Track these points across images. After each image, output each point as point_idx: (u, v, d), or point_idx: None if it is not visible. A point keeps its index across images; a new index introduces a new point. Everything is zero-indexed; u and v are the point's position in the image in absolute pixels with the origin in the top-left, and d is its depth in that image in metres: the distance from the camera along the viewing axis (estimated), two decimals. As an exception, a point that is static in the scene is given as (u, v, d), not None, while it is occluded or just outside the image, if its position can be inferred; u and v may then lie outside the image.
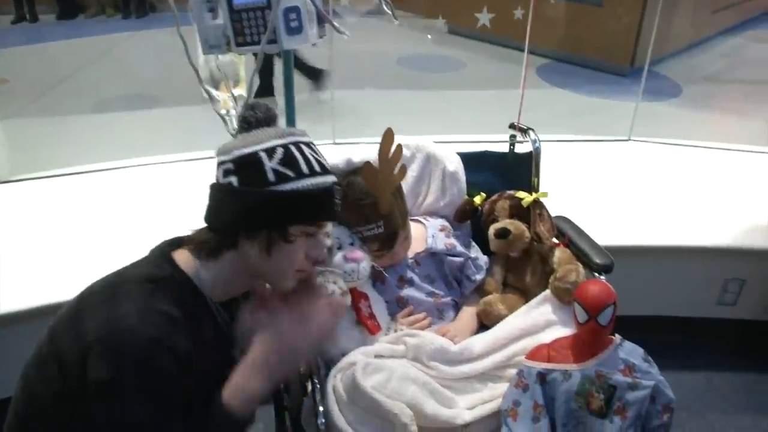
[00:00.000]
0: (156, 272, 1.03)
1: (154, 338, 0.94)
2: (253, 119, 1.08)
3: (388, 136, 1.38)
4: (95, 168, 2.72)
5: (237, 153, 1.05)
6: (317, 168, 1.07)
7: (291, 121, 1.60)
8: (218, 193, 1.08)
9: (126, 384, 0.93)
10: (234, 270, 1.08)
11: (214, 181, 1.09)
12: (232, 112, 1.19)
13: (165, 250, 1.09)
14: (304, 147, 1.08)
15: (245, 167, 1.04)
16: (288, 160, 1.04)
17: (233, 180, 1.04)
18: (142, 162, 2.77)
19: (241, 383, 1.04)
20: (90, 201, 2.46)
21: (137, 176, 2.67)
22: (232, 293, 1.13)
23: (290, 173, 1.03)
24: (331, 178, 1.10)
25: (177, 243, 1.11)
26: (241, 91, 1.17)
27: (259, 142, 1.05)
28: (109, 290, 1.00)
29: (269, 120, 1.10)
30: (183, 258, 1.08)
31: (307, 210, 1.06)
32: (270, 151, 1.04)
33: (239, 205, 1.04)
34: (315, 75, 4.13)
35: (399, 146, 1.40)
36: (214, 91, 1.19)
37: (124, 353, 0.93)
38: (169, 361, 0.95)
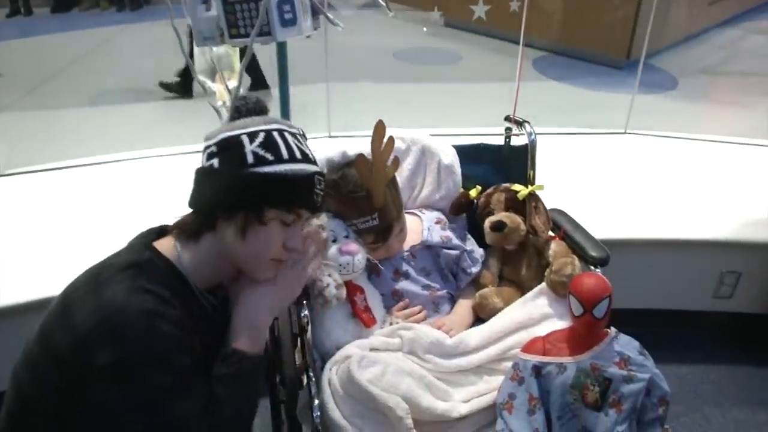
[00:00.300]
0: (137, 258, 1.04)
1: (147, 310, 0.95)
2: (243, 109, 1.11)
3: (379, 128, 1.38)
4: (90, 161, 2.72)
5: (221, 136, 1.07)
6: (298, 155, 1.08)
7: (286, 112, 1.60)
8: (201, 176, 1.09)
9: (134, 360, 0.93)
10: (213, 254, 1.09)
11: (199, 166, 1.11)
12: (228, 104, 1.19)
13: (145, 240, 1.10)
14: (287, 135, 1.09)
15: (226, 149, 1.06)
16: (268, 144, 1.06)
17: (215, 162, 1.06)
18: (136, 155, 2.77)
19: (244, 322, 1.09)
20: (84, 194, 2.45)
21: (131, 169, 2.66)
22: (214, 279, 1.13)
23: (269, 156, 1.05)
24: (312, 168, 1.10)
25: (157, 232, 1.13)
26: (235, 83, 1.16)
27: (244, 127, 1.07)
28: (92, 280, 1.00)
29: (259, 111, 1.12)
30: (164, 245, 1.09)
31: (283, 195, 1.07)
32: (252, 135, 1.06)
33: (218, 185, 1.06)
34: (259, 83, 4.15)
35: (391, 138, 1.39)
36: (209, 83, 1.19)
37: (122, 332, 0.93)
38: (168, 326, 0.97)
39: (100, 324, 0.93)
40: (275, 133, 1.08)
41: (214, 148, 1.07)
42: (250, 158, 1.04)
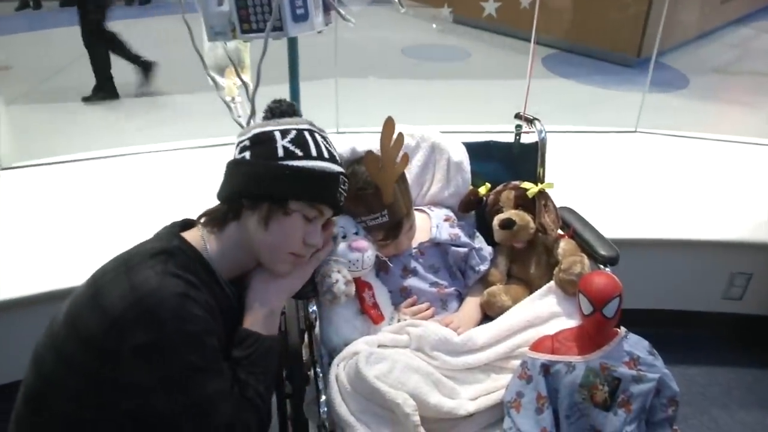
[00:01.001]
0: (166, 245, 1.08)
1: (179, 293, 0.99)
2: (277, 111, 1.19)
3: (388, 124, 1.37)
4: (98, 155, 2.73)
5: (254, 131, 1.15)
6: (326, 155, 1.16)
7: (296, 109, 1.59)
8: (231, 167, 1.16)
9: (168, 340, 0.97)
10: (236, 243, 1.14)
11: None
12: (238, 99, 1.20)
13: (173, 230, 1.15)
14: (317, 135, 1.17)
15: (259, 143, 1.13)
16: (299, 141, 1.13)
17: (246, 154, 1.13)
18: (145, 149, 2.78)
19: (258, 304, 1.14)
20: (92, 188, 2.47)
21: (140, 164, 2.67)
22: (236, 270, 1.17)
23: (299, 152, 1.12)
24: (338, 168, 1.18)
25: (184, 225, 1.18)
26: (245, 78, 1.17)
27: (277, 125, 1.15)
28: (122, 265, 1.03)
29: (292, 113, 1.20)
30: (191, 236, 1.13)
31: (309, 189, 1.13)
32: (284, 132, 1.14)
33: (247, 175, 1.13)
34: (145, 66, 4.13)
35: (400, 135, 1.39)
36: (219, 78, 1.20)
37: (157, 313, 0.97)
38: (198, 309, 1.01)
39: (134, 306, 0.96)
40: (306, 133, 1.16)
41: (247, 142, 1.14)
42: (280, 152, 1.11)
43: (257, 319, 1.14)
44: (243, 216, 1.13)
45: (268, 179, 1.11)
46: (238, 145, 1.17)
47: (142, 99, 4.34)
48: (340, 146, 1.51)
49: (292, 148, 1.12)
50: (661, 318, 2.32)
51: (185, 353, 0.99)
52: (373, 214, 1.40)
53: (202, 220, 1.16)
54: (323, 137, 1.19)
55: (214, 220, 1.15)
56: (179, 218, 1.20)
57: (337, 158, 1.20)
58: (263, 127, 1.15)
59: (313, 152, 1.14)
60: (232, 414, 1.04)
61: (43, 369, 1.04)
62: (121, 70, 4.27)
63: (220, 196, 1.18)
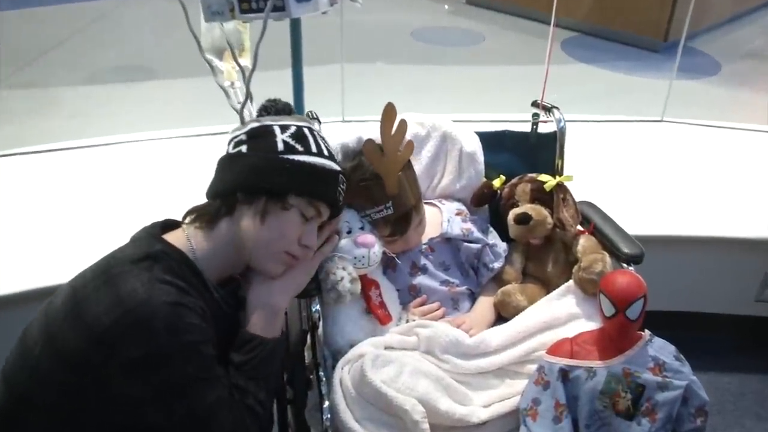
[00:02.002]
0: (148, 250, 1.06)
1: (171, 302, 0.99)
2: (272, 110, 1.22)
3: (388, 111, 1.38)
4: (87, 143, 2.73)
5: (251, 126, 1.17)
6: (326, 153, 1.19)
7: (299, 94, 1.60)
8: (224, 163, 1.18)
9: (165, 352, 0.98)
10: (227, 243, 1.14)
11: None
12: (237, 84, 1.21)
13: (153, 232, 1.13)
14: (316, 134, 1.20)
15: (257, 136, 1.15)
16: (299, 136, 1.16)
17: (243, 148, 1.15)
18: (136, 138, 2.77)
19: (261, 304, 1.15)
20: (80, 179, 2.47)
21: (131, 153, 2.67)
22: (225, 272, 1.17)
23: (299, 147, 1.15)
24: (338, 167, 1.21)
25: (164, 226, 1.16)
26: (245, 61, 1.17)
27: (275, 120, 1.18)
28: (102, 276, 1.02)
29: (288, 113, 1.23)
30: (174, 238, 1.12)
31: (310, 184, 1.15)
32: (284, 127, 1.16)
33: (244, 167, 1.14)
34: None
35: (403, 121, 1.39)
36: (216, 61, 1.20)
37: (148, 326, 0.96)
38: (193, 317, 1.01)
39: (123, 319, 0.96)
40: (305, 129, 1.18)
41: (243, 137, 1.16)
42: (280, 146, 1.13)
43: (260, 321, 1.15)
44: (237, 211, 1.13)
45: (267, 172, 1.12)
46: (231, 140, 1.18)
47: (137, 84, 4.34)
48: (345, 135, 1.51)
49: (292, 142, 1.15)
50: (688, 321, 2.31)
51: (182, 365, 1.00)
52: (377, 206, 1.41)
53: (188, 218, 1.16)
54: (321, 136, 1.23)
55: (204, 216, 1.14)
56: (160, 217, 1.18)
57: (336, 158, 1.24)
58: (260, 122, 1.18)
59: (314, 148, 1.17)
60: (233, 422, 1.05)
61: (16, 389, 1.03)
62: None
63: (211, 192, 1.18)
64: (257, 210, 1.11)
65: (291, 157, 1.13)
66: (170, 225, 1.17)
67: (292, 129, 1.17)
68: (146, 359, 0.97)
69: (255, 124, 1.17)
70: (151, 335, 0.96)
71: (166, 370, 0.99)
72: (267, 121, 1.18)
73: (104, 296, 0.98)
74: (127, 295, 0.97)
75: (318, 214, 1.18)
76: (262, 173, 1.12)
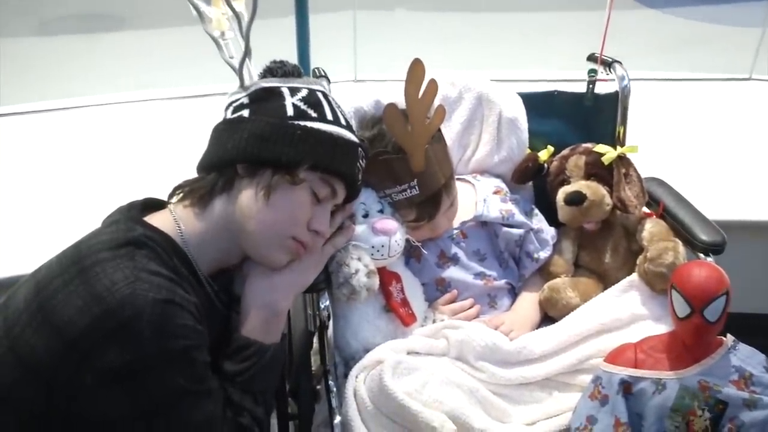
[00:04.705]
0: (127, 236, 1.05)
1: (160, 300, 0.98)
2: (279, 73, 1.19)
3: (416, 68, 1.36)
4: (39, 108, 2.75)
5: (255, 87, 1.16)
6: (343, 122, 1.19)
7: (303, 47, 1.60)
8: (222, 129, 1.17)
9: (152, 361, 0.97)
10: (224, 224, 1.14)
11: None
12: (228, 33, 1.21)
13: (131, 214, 1.13)
14: (332, 99, 1.20)
15: (262, 99, 1.15)
16: (312, 101, 1.16)
17: (244, 113, 1.15)
18: (103, 101, 2.79)
19: (259, 305, 1.15)
20: (31, 150, 2.49)
21: (97, 119, 2.69)
22: (218, 260, 1.17)
23: (312, 113, 1.15)
24: (357, 139, 1.21)
25: (145, 206, 1.16)
26: (238, 6, 1.18)
27: (283, 81, 1.17)
28: (73, 267, 1.01)
29: (298, 77, 1.21)
30: (158, 220, 1.12)
31: (324, 155, 1.14)
32: (294, 90, 1.16)
33: (246, 134, 1.13)
34: None
35: (432, 81, 1.38)
36: (204, 6, 1.20)
37: (132, 328, 0.95)
38: (186, 317, 1.01)
39: (101, 320, 0.95)
40: (319, 93, 1.18)
41: (245, 100, 1.16)
42: (290, 110, 1.13)
43: (257, 323, 1.15)
44: (236, 187, 1.13)
45: (274, 139, 1.11)
46: (230, 104, 1.18)
47: (100, 35, 4.37)
48: (359, 99, 1.52)
49: (303, 107, 1.14)
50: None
51: (171, 376, 0.99)
52: (400, 185, 1.40)
53: (176, 196, 1.16)
54: (337, 103, 1.22)
55: (196, 192, 1.14)
56: (138, 197, 1.18)
57: (353, 129, 1.23)
58: (266, 83, 1.17)
59: (329, 115, 1.16)
60: None
61: None
62: None
63: (204, 165, 1.17)
64: (261, 185, 1.10)
65: (302, 123, 1.12)
66: (152, 205, 1.16)
67: (304, 92, 1.16)
68: (128, 369, 0.96)
69: (260, 86, 1.16)
70: (135, 339, 0.95)
71: (152, 382, 0.98)
72: (275, 81, 1.17)
73: (76, 292, 0.97)
74: (105, 291, 0.96)
75: (332, 193, 1.18)
76: (269, 141, 1.11)
